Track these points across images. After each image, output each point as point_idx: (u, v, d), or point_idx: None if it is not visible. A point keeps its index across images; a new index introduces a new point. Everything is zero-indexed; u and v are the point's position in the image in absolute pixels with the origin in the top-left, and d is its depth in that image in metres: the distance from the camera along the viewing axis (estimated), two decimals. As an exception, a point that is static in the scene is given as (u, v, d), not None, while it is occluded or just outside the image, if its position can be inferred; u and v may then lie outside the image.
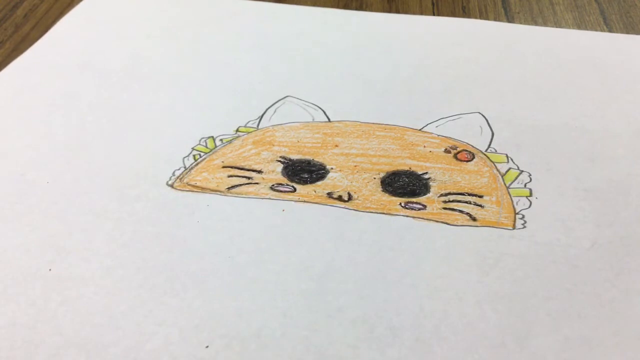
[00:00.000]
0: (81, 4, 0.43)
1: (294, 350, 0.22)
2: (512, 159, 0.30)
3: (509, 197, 0.28)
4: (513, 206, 0.27)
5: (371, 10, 0.42)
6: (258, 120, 0.32)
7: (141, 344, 0.22)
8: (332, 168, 0.29)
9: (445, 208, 0.27)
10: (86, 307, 0.24)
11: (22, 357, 0.22)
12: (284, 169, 0.29)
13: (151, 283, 0.24)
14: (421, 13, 0.41)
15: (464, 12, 0.41)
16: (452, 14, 0.41)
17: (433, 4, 0.42)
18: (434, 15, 0.41)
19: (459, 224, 0.26)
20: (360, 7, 0.43)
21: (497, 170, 0.29)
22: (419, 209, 0.27)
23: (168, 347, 0.22)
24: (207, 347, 0.22)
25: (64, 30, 0.40)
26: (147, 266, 0.25)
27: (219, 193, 0.28)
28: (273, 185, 0.29)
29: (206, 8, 0.42)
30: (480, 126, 0.31)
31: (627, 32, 0.39)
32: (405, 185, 0.28)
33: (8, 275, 0.25)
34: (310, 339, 0.22)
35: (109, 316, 0.23)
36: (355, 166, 0.29)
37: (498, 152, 0.30)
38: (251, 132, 0.32)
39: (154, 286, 0.24)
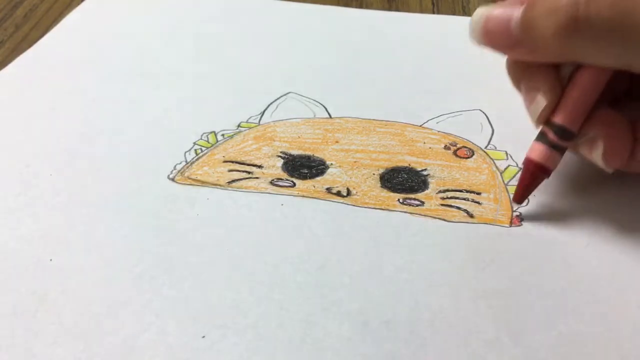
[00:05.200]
0: (82, 3, 0.43)
1: (290, 342, 0.22)
2: (511, 156, 0.30)
3: (506, 194, 0.28)
4: (510, 203, 0.27)
5: (371, 9, 0.42)
6: (260, 115, 0.33)
7: (139, 333, 0.23)
8: (331, 164, 0.30)
9: (443, 204, 0.27)
10: (85, 297, 0.24)
11: (22, 345, 0.22)
12: (284, 164, 0.30)
13: (150, 274, 0.25)
14: (421, 12, 0.42)
15: (464, 11, 0.41)
16: (452, 13, 0.41)
17: (433, 3, 0.42)
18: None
19: (456, 220, 0.27)
20: (360, 6, 0.43)
21: (496, 167, 0.29)
22: (417, 205, 0.27)
23: (165, 337, 0.22)
24: (203, 337, 0.22)
25: (65, 29, 0.40)
26: (147, 258, 0.25)
27: (219, 187, 0.29)
28: (273, 180, 0.29)
29: (207, 5, 0.43)
30: (481, 123, 0.32)
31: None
32: (404, 182, 0.29)
33: (10, 265, 0.25)
34: (306, 331, 0.23)
35: (107, 306, 0.23)
36: (355, 162, 0.30)
37: (497, 149, 0.30)
38: (253, 127, 0.32)
39: (153, 277, 0.25)
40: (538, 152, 0.25)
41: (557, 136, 0.25)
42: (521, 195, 0.26)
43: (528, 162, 0.26)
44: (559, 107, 0.25)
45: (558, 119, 0.25)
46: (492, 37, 0.25)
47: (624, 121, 0.25)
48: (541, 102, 0.25)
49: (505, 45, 0.25)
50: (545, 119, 0.25)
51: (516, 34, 0.24)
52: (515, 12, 0.24)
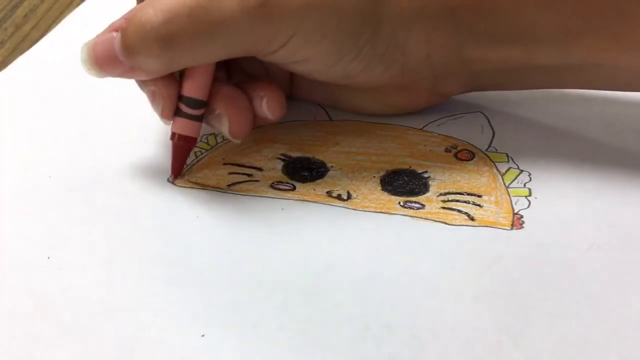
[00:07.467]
0: (82, 4, 0.43)
1: (290, 343, 0.22)
2: (512, 159, 0.30)
3: (508, 196, 0.28)
4: (512, 206, 0.27)
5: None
6: (260, 118, 0.33)
7: (139, 333, 0.23)
8: (332, 166, 0.29)
9: (443, 207, 0.27)
10: (84, 297, 0.24)
11: (20, 346, 0.22)
12: (284, 166, 0.30)
13: (149, 276, 0.25)
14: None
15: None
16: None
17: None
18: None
19: (457, 223, 0.27)
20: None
21: (497, 169, 0.29)
22: (418, 208, 0.27)
23: (164, 337, 0.22)
24: (202, 336, 0.22)
25: (65, 29, 0.40)
26: (146, 259, 0.25)
27: (219, 190, 0.28)
28: (273, 183, 0.29)
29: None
30: (482, 125, 0.32)
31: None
32: (404, 184, 0.28)
33: (7, 265, 0.25)
34: (306, 333, 0.23)
35: (106, 306, 0.23)
36: (356, 164, 0.29)
37: (498, 151, 0.30)
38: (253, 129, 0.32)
39: (152, 279, 0.24)
40: (179, 125, 0.28)
41: (190, 107, 0.27)
42: (177, 169, 0.29)
43: (173, 135, 0.28)
44: (184, 82, 0.27)
45: (186, 92, 0.27)
46: (105, 67, 0.26)
47: (242, 95, 0.28)
48: (161, 101, 0.27)
49: (121, 71, 0.26)
50: (169, 114, 0.27)
51: (122, 59, 0.25)
52: (115, 36, 0.25)
